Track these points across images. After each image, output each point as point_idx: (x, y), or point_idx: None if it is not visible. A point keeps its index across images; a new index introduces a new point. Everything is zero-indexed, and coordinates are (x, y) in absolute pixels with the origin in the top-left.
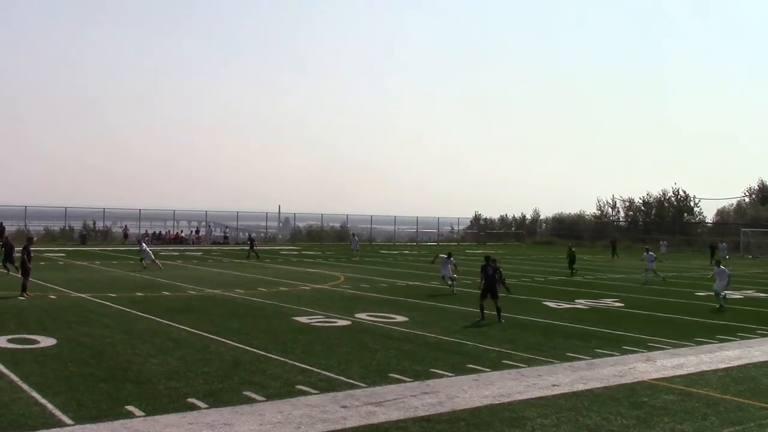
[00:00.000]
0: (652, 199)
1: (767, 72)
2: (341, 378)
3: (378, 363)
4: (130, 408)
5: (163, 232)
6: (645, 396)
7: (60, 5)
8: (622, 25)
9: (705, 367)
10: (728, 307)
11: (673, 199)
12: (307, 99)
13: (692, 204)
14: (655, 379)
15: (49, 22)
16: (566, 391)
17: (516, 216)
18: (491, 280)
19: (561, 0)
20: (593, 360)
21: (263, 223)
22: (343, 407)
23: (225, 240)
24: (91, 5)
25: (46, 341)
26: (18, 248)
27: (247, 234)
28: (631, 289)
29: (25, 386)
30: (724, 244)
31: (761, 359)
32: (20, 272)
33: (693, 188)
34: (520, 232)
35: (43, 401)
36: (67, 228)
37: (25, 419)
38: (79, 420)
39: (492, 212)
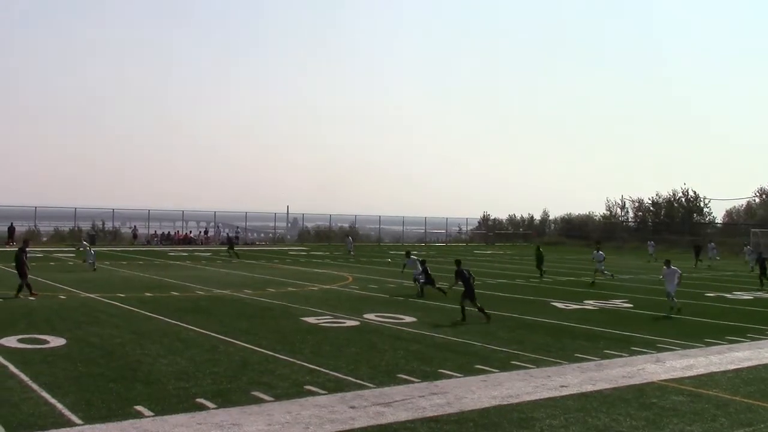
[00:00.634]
0: (661, 199)
1: None
2: (350, 378)
3: (386, 363)
4: (139, 408)
5: (172, 233)
6: (654, 397)
7: (64, 5)
8: (634, 23)
9: (714, 368)
10: (738, 308)
11: (683, 199)
12: (314, 99)
13: (702, 204)
14: (665, 380)
15: (54, 22)
16: (575, 392)
17: (524, 216)
18: (468, 283)
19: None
20: (602, 361)
21: (272, 224)
22: (351, 408)
23: (236, 240)
24: (95, 5)
25: (55, 341)
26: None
27: (226, 233)
28: (640, 289)
29: (34, 386)
30: (712, 244)
31: None
32: (18, 274)
33: (702, 189)
34: (529, 233)
35: (53, 401)
36: (76, 228)
37: (35, 419)
38: (88, 420)
39: (500, 212)
